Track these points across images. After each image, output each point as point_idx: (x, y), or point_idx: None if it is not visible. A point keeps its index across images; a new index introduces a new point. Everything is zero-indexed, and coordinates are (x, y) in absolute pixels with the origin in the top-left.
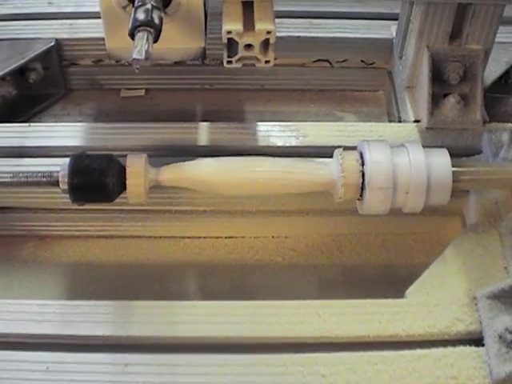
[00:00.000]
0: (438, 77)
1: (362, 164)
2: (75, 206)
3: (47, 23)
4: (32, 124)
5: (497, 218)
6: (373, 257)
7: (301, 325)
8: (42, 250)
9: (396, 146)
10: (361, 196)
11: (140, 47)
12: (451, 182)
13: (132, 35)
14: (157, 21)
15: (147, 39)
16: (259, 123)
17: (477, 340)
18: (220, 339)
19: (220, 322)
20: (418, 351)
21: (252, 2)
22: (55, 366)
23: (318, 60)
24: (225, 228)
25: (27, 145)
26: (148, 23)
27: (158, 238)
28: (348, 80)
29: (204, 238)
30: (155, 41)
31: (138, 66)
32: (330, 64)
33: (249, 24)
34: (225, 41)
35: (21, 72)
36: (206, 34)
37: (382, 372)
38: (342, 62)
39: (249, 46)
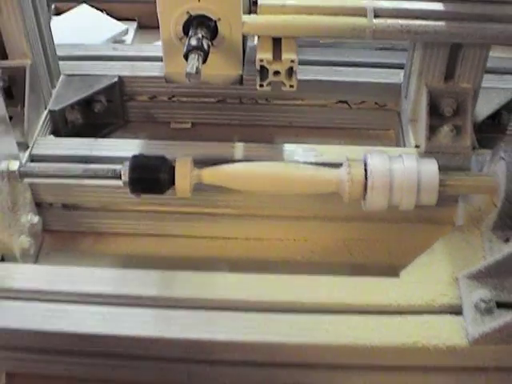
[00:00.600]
0: (434, 110)
1: (366, 169)
2: (130, 207)
3: (112, 63)
4: (98, 139)
5: (480, 220)
6: (378, 259)
7: (312, 294)
8: (99, 244)
9: (395, 156)
10: (364, 196)
11: (192, 65)
12: (438, 185)
13: (186, 56)
14: (205, 47)
15: (198, 59)
16: (285, 144)
17: (457, 311)
18: (244, 302)
19: (245, 289)
20: (407, 317)
21: (280, 38)
22: (111, 316)
23: (339, 101)
24: (253, 230)
25: (93, 154)
26: (199, 47)
27: (198, 237)
28: (364, 120)
29: (236, 238)
30: (204, 62)
31: (189, 80)
32: (349, 105)
33: (277, 55)
34: (258, 68)
35: (88, 103)
36: (243, 64)
37: (375, 330)
38: (359, 103)
39: (277, 73)
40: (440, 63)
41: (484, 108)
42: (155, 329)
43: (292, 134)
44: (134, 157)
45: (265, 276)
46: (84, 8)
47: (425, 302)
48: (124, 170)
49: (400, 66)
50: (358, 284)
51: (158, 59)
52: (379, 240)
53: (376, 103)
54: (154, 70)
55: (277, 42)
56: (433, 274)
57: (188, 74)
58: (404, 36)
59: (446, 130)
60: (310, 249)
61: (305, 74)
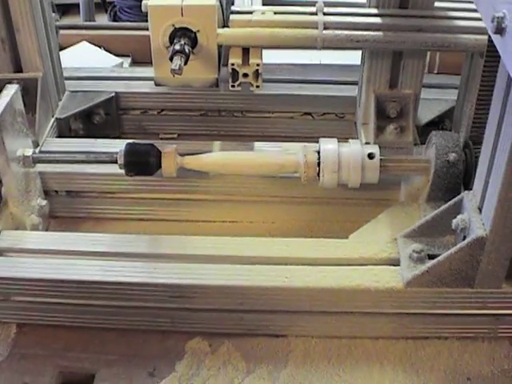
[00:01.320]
0: (381, 113)
1: (319, 153)
2: (124, 195)
3: (109, 82)
4: (98, 139)
5: (418, 197)
6: (335, 236)
7: (274, 250)
8: (97, 228)
9: (343, 142)
10: (318, 175)
11: (176, 63)
12: (379, 165)
13: (171, 58)
14: (187, 51)
15: (180, 59)
16: (255, 142)
17: (396, 264)
18: (219, 257)
19: (220, 247)
20: (354, 267)
21: (248, 48)
22: (108, 268)
23: (304, 114)
24: (229, 214)
25: (94, 150)
26: (181, 51)
27: (181, 221)
28: (326, 129)
29: (214, 221)
30: (185, 63)
31: (173, 75)
32: (313, 117)
33: (245, 60)
34: (230, 71)
35: (88, 115)
36: (219, 69)
37: (327, 276)
38: (322, 115)
39: (245, 75)
40: (385, 72)
41: (427, 114)
42: (144, 276)
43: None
44: (128, 144)
45: (235, 238)
46: (84, 44)
47: (368, 256)
48: (120, 154)
49: (356, 83)
50: (313, 243)
51: (149, 79)
52: (337, 220)
53: (336, 114)
54: (145, 87)
55: (246, 50)
56: (376, 236)
57: (172, 70)
58: (349, 44)
59: (391, 128)
60: (278, 229)
61: (275, 89)
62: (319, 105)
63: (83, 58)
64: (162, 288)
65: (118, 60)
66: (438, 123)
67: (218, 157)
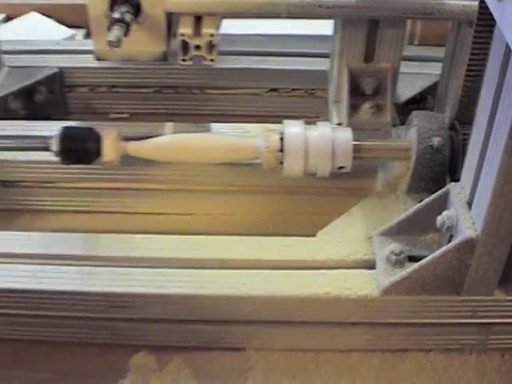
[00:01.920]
0: (355, 89)
1: (282, 137)
2: (65, 184)
3: (53, 56)
4: (35, 121)
5: (396, 186)
6: (301, 230)
7: (229, 251)
8: (37, 221)
9: (311, 125)
10: (281, 162)
11: (114, 35)
12: (352, 150)
13: (109, 28)
14: (127, 19)
15: (119, 30)
16: (213, 124)
17: (370, 266)
18: (165, 259)
19: (166, 248)
20: (321, 271)
21: (201, 17)
22: (36, 274)
23: (270, 90)
24: (184, 206)
25: (30, 134)
26: (121, 20)
27: (130, 213)
28: (294, 107)
29: (167, 214)
30: (126, 34)
31: (111, 47)
32: (279, 94)
33: (198, 30)
34: (179, 42)
35: (29, 93)
36: (168, 41)
37: (289, 282)
38: (290, 91)
39: (198, 47)
40: (359, 43)
41: (407, 91)
42: (77, 283)
43: (226, 122)
44: (64, 128)
45: (185, 237)
46: (33, 15)
47: (339, 258)
48: (54, 140)
49: (327, 55)
50: (274, 242)
51: None
52: (303, 212)
53: (305, 91)
54: (93, 61)
55: (198, 19)
56: (348, 234)
57: (109, 42)
58: (318, 12)
59: (366, 107)
60: (238, 222)
61: (236, 63)
62: (287, 80)
63: (31, 29)
64: (99, 297)
65: (70, 32)
66: (419, 101)
67: (165, 142)
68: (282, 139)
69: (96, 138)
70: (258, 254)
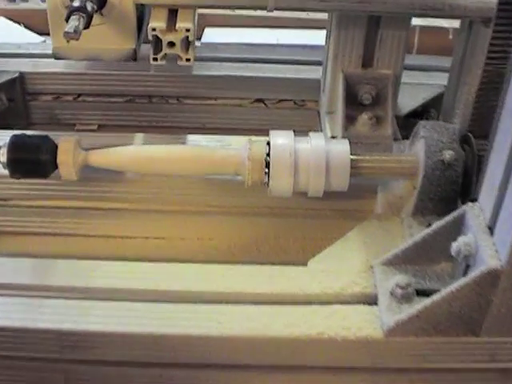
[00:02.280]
0: (352, 98)
1: (269, 149)
2: (17, 202)
3: (14, 60)
4: None
5: (400, 208)
6: (290, 258)
7: (204, 282)
8: None
9: (302, 136)
10: (267, 178)
11: (71, 25)
12: (349, 166)
13: (67, 19)
14: (89, 8)
15: (79, 20)
16: (189, 135)
17: (372, 301)
18: (127, 291)
19: (129, 277)
20: (313, 306)
21: (176, 10)
22: None
23: (255, 101)
24: (153, 228)
25: None
26: (81, 9)
27: (91, 236)
28: (282, 120)
29: (133, 237)
30: (87, 26)
31: (68, 40)
32: (265, 105)
33: (172, 24)
34: (150, 37)
35: None
36: (139, 38)
37: (276, 321)
38: (277, 102)
39: (171, 45)
40: (356, 46)
41: (408, 102)
42: (24, 318)
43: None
44: (14, 136)
45: (152, 264)
46: (1, 20)
47: (334, 291)
48: (3, 150)
49: (320, 63)
50: (257, 272)
51: None
52: (292, 237)
53: (295, 102)
54: (58, 66)
55: (173, 12)
56: (344, 263)
57: (66, 34)
58: (309, 3)
59: (364, 118)
60: (216, 248)
61: (218, 70)
62: (274, 89)
63: None
64: (51, 335)
65: (40, 38)
66: (421, 114)
67: (133, 151)
68: (268, 152)
69: (51, 148)
70: (238, 286)
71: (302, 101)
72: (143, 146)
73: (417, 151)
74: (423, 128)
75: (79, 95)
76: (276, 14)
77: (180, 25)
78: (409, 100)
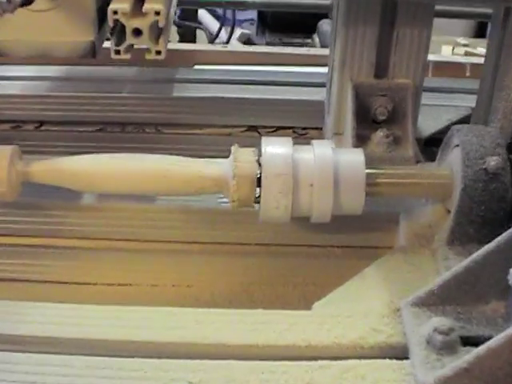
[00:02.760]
0: (363, 113)
1: (260, 160)
2: None
3: None
4: None
5: (430, 239)
6: (290, 307)
7: (179, 330)
8: None
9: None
10: (257, 197)
11: None
12: (364, 181)
13: None
14: None
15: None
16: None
17: (400, 354)
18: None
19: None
20: (320, 362)
21: None
22: None
23: (247, 129)
24: (117, 272)
25: None
26: None
27: (38, 282)
28: None
29: (93, 284)
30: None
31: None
32: (260, 134)
33: (138, 7)
34: (111, 23)
35: None
36: (99, 29)
37: (269, 381)
38: (273, 131)
39: (138, 33)
40: (368, 49)
41: (432, 123)
42: None
43: None
44: None
45: (109, 307)
46: None
47: (349, 341)
48: None
49: (324, 85)
50: (250, 318)
51: (28, 78)
52: (291, 282)
53: (294, 130)
54: (16, 88)
55: None
56: (361, 305)
57: None
58: None
59: (379, 136)
60: (195, 296)
61: (204, 91)
62: (270, 115)
63: None
64: None
65: None
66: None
67: (88, 161)
68: (259, 163)
69: None
70: (222, 337)
71: (303, 129)
72: (100, 156)
73: (450, 162)
74: (458, 132)
75: (41, 123)
76: (272, 49)
77: (148, 6)
78: (430, 121)
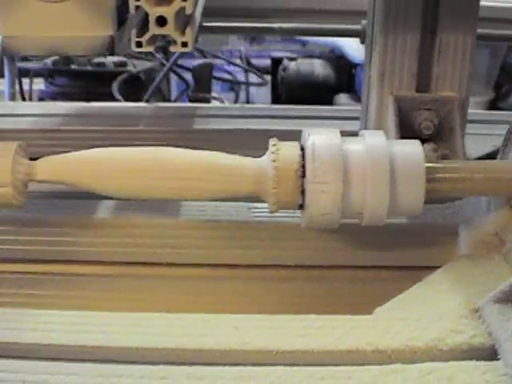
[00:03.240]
0: (407, 129)
1: (303, 152)
2: None
3: None
4: None
5: (498, 246)
6: None
7: (205, 337)
8: None
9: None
10: (302, 197)
11: None
12: (424, 176)
13: None
14: None
15: None
16: None
17: (486, 356)
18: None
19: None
20: (392, 366)
21: None
22: None
23: None
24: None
25: None
26: None
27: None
28: None
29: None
30: None
31: None
32: None
33: None
34: (132, 11)
35: None
36: (120, 22)
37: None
38: None
39: (162, 22)
40: (409, 59)
41: (477, 149)
42: None
43: None
44: None
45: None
46: None
47: (423, 344)
48: None
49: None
50: (294, 324)
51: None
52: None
53: None
54: (27, 124)
55: None
56: (431, 308)
57: None
58: None
59: (426, 149)
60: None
61: (222, 124)
62: None
63: None
64: None
65: None
66: None
67: (100, 158)
68: (302, 155)
69: None
70: (255, 342)
71: None
72: (113, 149)
73: None
74: None
75: None
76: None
77: None
78: (476, 147)
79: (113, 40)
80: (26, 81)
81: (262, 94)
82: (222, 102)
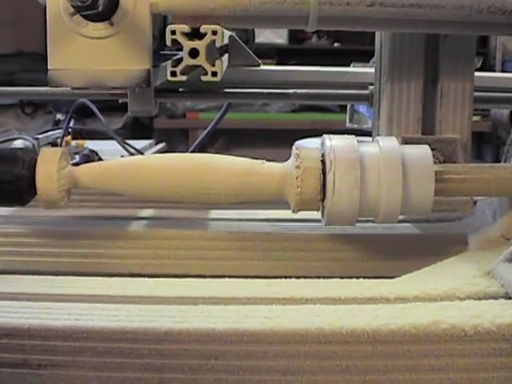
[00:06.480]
0: None
1: (323, 156)
2: None
3: None
4: None
5: (505, 245)
6: None
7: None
8: None
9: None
10: (323, 197)
11: None
12: (433, 175)
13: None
14: (99, 8)
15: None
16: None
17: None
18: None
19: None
20: (414, 303)
21: None
22: None
23: None
24: None
25: None
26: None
27: None
28: None
29: None
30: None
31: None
32: None
33: (196, 27)
34: (169, 43)
35: None
36: (156, 56)
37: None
38: None
39: (194, 54)
40: (414, 104)
41: None
42: None
43: None
44: None
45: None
46: None
47: (441, 291)
48: None
49: None
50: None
51: None
52: None
53: None
54: None
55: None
56: (445, 275)
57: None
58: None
59: None
60: None
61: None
62: None
63: None
64: None
65: None
66: None
67: (153, 161)
68: (323, 158)
69: (27, 161)
70: (295, 291)
71: None
72: (153, 155)
73: None
74: None
75: None
76: None
77: (206, 26)
78: None
79: (149, 73)
80: None
81: None
82: None
